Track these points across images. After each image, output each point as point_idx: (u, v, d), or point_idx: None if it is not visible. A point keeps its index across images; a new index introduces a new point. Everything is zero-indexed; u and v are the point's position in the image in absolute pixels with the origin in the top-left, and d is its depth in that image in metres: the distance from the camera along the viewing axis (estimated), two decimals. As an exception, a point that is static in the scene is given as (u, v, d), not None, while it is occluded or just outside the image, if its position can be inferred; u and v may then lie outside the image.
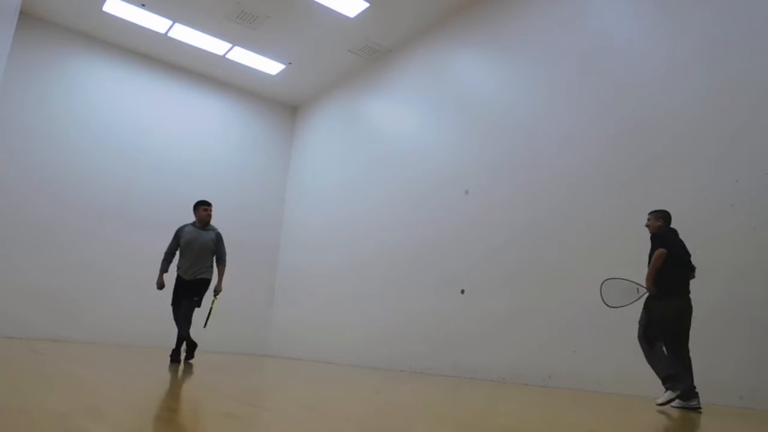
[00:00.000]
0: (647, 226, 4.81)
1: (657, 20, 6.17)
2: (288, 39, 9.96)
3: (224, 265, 6.37)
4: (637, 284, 4.63)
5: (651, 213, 4.87)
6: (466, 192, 7.84)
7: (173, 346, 6.02)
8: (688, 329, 4.38)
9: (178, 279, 6.22)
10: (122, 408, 2.31)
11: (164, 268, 6.29)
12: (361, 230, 9.74)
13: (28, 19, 9.59)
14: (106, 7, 9.50)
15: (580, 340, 5.96)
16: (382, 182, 9.55)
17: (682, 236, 5.39)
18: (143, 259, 10.25)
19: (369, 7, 8.80)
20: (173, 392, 3.18)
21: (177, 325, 6.12)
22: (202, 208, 6.43)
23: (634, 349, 5.49)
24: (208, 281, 6.26)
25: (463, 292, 7.50)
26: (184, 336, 6.03)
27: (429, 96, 9.08)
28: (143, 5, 9.38)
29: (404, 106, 9.63)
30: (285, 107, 12.63)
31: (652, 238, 4.60)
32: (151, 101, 10.91)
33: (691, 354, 4.52)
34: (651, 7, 6.27)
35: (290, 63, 10.81)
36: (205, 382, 3.76)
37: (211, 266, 6.30)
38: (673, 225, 5.11)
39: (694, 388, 4.20)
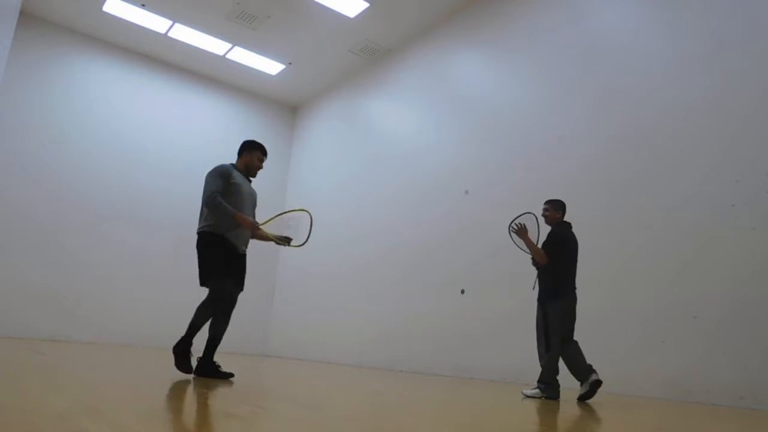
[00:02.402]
0: (545, 215, 4.89)
1: (657, 20, 6.17)
2: (288, 39, 9.96)
3: None
4: (531, 254, 4.80)
5: (548, 203, 4.91)
6: (466, 192, 7.85)
7: (180, 346, 3.99)
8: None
9: (230, 245, 4.26)
10: (122, 408, 2.31)
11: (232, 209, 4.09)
12: (361, 230, 9.75)
13: (28, 19, 9.60)
14: (106, 7, 9.51)
15: (579, 341, 5.96)
16: (382, 182, 9.55)
17: (681, 237, 5.38)
18: (143, 259, 10.29)
19: (369, 7, 8.80)
20: (173, 392, 3.18)
21: (227, 312, 4.14)
22: (258, 154, 4.43)
23: (635, 349, 5.50)
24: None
25: (463, 292, 7.50)
26: (220, 337, 4.17)
27: (429, 96, 9.08)
28: (143, 5, 9.39)
29: (404, 106, 9.63)
30: (285, 107, 12.63)
31: (553, 237, 4.70)
32: (151, 101, 10.91)
33: (693, 353, 4.51)
34: (651, 7, 6.27)
35: (290, 63, 10.82)
36: (205, 382, 3.76)
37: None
38: (672, 225, 5.11)
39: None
